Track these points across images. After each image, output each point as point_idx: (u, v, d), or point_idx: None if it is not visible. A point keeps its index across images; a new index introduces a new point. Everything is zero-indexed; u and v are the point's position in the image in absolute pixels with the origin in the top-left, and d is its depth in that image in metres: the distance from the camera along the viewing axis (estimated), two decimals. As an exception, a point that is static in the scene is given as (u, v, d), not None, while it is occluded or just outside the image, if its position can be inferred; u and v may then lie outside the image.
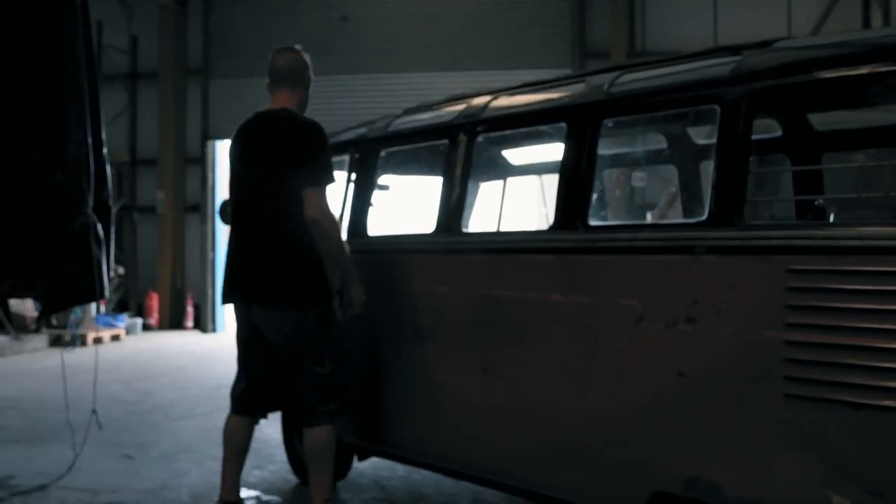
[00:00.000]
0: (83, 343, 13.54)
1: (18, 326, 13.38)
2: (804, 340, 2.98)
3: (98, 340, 13.92)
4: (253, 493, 5.38)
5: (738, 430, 3.15)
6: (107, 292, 5.46)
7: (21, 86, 5.01)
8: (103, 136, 5.80)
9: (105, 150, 5.84)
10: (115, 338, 14.51)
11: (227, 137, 16.41)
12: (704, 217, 3.34)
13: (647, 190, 9.82)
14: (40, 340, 13.09)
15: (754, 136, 3.31)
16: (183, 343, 14.60)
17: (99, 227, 5.43)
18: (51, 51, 5.15)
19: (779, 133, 4.67)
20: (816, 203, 4.18)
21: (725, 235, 3.23)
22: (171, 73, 16.81)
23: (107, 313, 15.60)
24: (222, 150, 16.89)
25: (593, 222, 3.79)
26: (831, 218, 4.05)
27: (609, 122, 3.88)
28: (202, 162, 16.71)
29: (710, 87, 3.43)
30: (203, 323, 16.50)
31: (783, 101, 3.98)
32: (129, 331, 15.26)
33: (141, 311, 16.71)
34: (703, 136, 4.53)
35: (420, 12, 15.67)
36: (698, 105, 3.58)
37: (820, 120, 4.61)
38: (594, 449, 3.66)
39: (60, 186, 5.17)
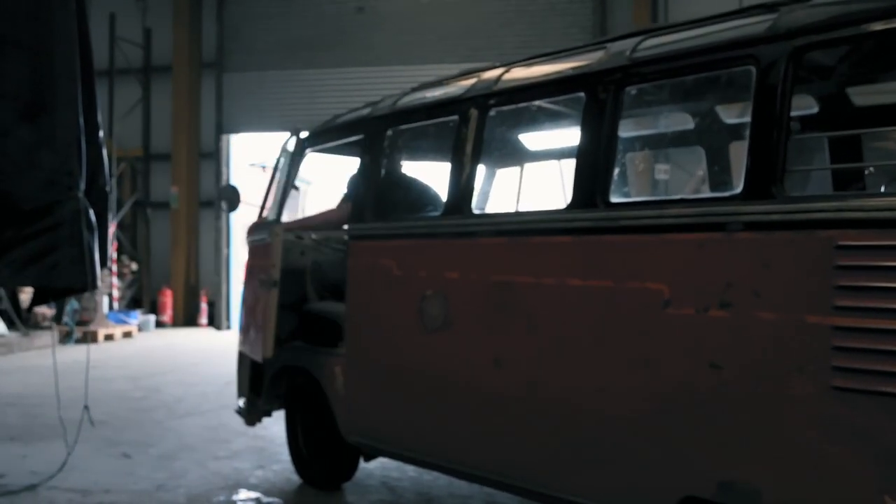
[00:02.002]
0: (94, 339, 13.32)
1: (30, 324, 13.17)
2: (854, 326, 2.64)
3: (109, 337, 13.72)
4: (254, 494, 5.08)
5: (778, 428, 2.81)
6: (99, 282, 5.18)
7: (2, 56, 4.71)
8: (99, 118, 5.52)
9: (101, 134, 5.56)
10: (127, 334, 14.30)
11: (241, 131, 16.35)
12: (739, 190, 2.99)
13: (674, 172, 9.43)
14: (50, 337, 12.85)
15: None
16: (195, 340, 14.35)
17: (91, 213, 5.14)
18: (38, 24, 4.86)
19: (815, 109, 4.32)
20: (867, 172, 3.81)
21: (764, 209, 2.88)
22: (185, 66, 16.59)
23: (119, 310, 15.41)
24: (237, 145, 16.64)
25: (615, 199, 3.45)
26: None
27: (632, 90, 3.54)
28: (216, 156, 16.44)
29: (745, 47, 3.08)
30: (217, 320, 16.26)
31: (826, 59, 3.62)
32: (141, 328, 15.04)
33: (154, 308, 16.49)
34: (735, 103, 4.15)
35: (437, 2, 15.35)
36: (731, 67, 3.22)
37: (859, 93, 4.26)
38: (616, 448, 3.32)
39: (48, 168, 4.88)
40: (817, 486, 2.72)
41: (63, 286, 5.10)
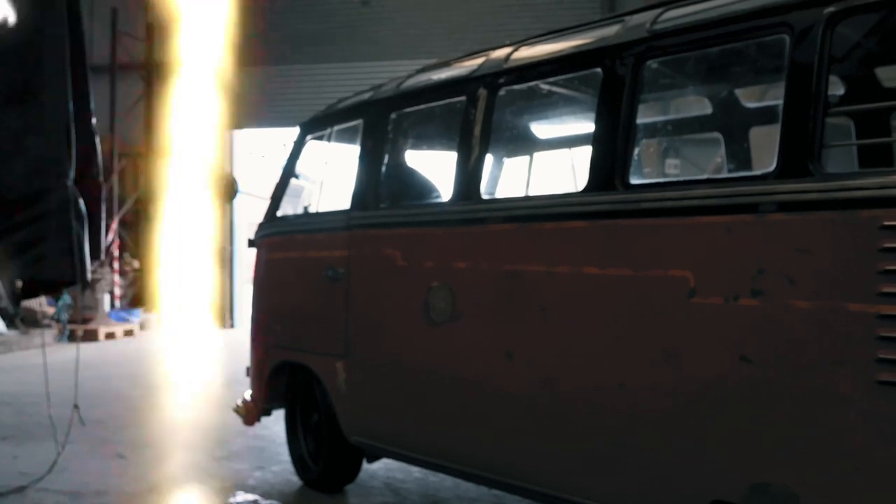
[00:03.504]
0: (94, 338, 13.13)
1: (28, 321, 12.96)
2: (902, 314, 2.39)
3: (110, 336, 13.52)
4: (251, 496, 4.84)
5: (817, 427, 2.57)
6: (89, 275, 4.95)
7: None
8: (92, 106, 5.30)
9: (94, 121, 5.33)
10: (129, 333, 14.07)
11: (246, 127, 16.09)
12: (773, 168, 2.74)
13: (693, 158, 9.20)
14: (49, 335, 12.65)
15: None
16: (198, 339, 14.13)
17: (81, 203, 4.92)
18: (24, 3, 4.63)
19: (841, 91, 4.08)
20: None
21: (800, 188, 2.64)
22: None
23: (121, 308, 15.20)
24: (241, 140, 16.40)
25: (635, 181, 3.20)
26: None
27: (653, 65, 3.30)
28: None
29: (777, 14, 2.83)
30: (221, 318, 16.02)
31: (866, 24, 3.37)
32: (143, 326, 14.81)
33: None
34: (766, 77, 3.90)
35: (444, -5, 15.11)
36: (762, 36, 2.97)
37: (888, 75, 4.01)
38: (638, 449, 3.07)
39: (35, 154, 4.67)
40: (861, 491, 2.48)
41: (50, 279, 4.88)
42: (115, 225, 15.41)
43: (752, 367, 2.71)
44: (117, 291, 15.28)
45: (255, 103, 15.86)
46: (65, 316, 12.97)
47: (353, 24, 15.37)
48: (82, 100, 5.08)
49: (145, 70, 16.94)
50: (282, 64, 15.70)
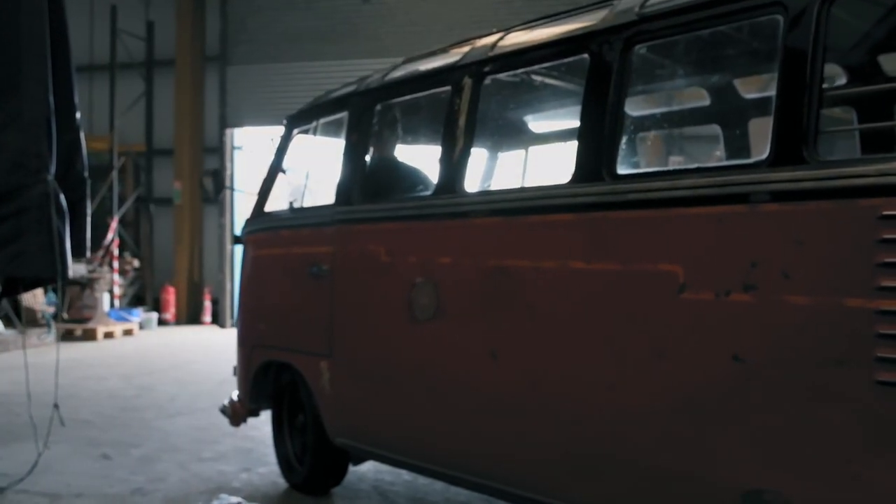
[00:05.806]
0: (93, 337, 13.04)
1: (28, 320, 12.85)
2: (902, 309, 2.24)
3: (109, 335, 13.42)
4: (234, 499, 4.69)
5: (813, 430, 2.42)
6: (71, 272, 4.83)
7: None
8: (76, 99, 5.19)
9: (78, 116, 5.22)
10: (128, 332, 13.96)
11: (245, 125, 15.97)
12: (765, 155, 2.60)
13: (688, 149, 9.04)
14: (49, 335, 12.54)
15: None
16: (197, 338, 14.00)
17: (63, 198, 4.80)
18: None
19: (839, 76, 3.93)
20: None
21: (794, 176, 2.49)
22: (188, 59, 16.24)
23: (121, 308, 15.10)
24: (241, 139, 16.29)
25: (623, 171, 3.06)
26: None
27: (642, 50, 3.15)
28: (220, 151, 16.05)
29: (771, -6, 2.69)
30: (221, 318, 15.89)
31: (862, 4, 3.22)
32: (143, 326, 14.70)
33: (157, 306, 16.16)
34: (759, 62, 3.74)
35: (444, -8, 14.97)
36: (755, 17, 2.82)
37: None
38: (627, 453, 2.93)
39: (13, 148, 4.55)
40: (859, 498, 2.33)
41: (30, 275, 4.76)
42: (114, 223, 15.31)
43: (744, 366, 2.57)
44: (117, 291, 15.18)
45: (254, 101, 15.76)
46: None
47: (354, 21, 15.24)
48: (66, 95, 4.96)
49: (145, 68, 16.85)
50: (282, 61, 15.58)
